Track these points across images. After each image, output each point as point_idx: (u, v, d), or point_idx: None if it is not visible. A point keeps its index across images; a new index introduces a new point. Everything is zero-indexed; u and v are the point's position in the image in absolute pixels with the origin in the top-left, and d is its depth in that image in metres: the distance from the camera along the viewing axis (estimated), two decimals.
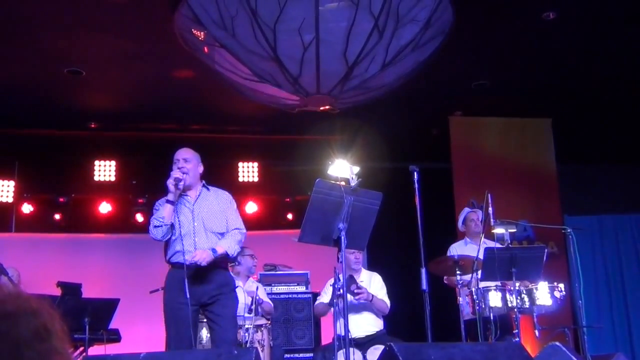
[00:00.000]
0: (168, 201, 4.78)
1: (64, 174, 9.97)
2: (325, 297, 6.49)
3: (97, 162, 9.96)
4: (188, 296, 4.62)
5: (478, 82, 8.71)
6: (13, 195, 9.81)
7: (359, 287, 6.31)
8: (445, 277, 6.61)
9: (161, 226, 4.76)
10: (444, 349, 3.73)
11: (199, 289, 4.74)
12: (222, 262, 4.90)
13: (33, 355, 0.98)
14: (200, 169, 5.08)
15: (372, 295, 6.42)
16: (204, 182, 5.10)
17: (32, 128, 9.54)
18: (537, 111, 9.60)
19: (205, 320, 5.07)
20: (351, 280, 6.30)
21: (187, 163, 4.98)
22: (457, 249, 6.87)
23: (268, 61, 6.58)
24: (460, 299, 6.03)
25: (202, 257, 4.68)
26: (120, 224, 10.10)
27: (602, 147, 10.11)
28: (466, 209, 7.05)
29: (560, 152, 9.71)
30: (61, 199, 9.90)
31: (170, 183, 4.78)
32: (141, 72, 8.25)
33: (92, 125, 9.77)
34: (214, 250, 4.77)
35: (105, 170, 9.97)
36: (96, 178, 9.93)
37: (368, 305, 6.48)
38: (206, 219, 4.88)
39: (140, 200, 9.99)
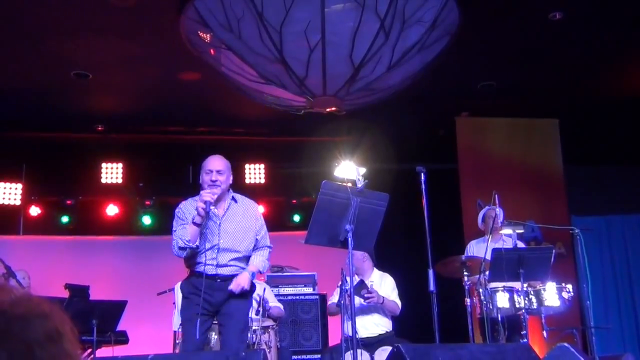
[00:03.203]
0: (195, 223, 4.67)
1: (71, 177, 9.99)
2: (336, 297, 6.50)
3: (104, 165, 9.97)
4: (205, 305, 4.67)
5: (485, 82, 8.70)
6: (21, 198, 9.84)
7: (369, 292, 6.31)
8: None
9: (186, 249, 4.70)
10: (451, 350, 3.73)
11: (218, 297, 4.74)
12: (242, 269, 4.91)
13: (45, 356, 0.99)
14: (231, 179, 4.96)
15: (383, 298, 6.43)
16: (231, 191, 4.99)
17: (40, 131, 9.58)
18: (544, 112, 9.58)
19: (215, 322, 5.07)
20: (362, 285, 6.31)
21: (220, 175, 4.83)
22: (474, 246, 6.87)
23: (274, 63, 6.60)
24: (468, 299, 6.01)
25: (244, 284, 4.72)
26: (128, 226, 10.13)
27: (609, 147, 10.08)
28: (486, 207, 7.03)
29: (568, 153, 9.68)
30: (68, 202, 9.92)
31: (200, 207, 4.63)
32: (148, 75, 8.27)
33: (99, 128, 9.80)
34: (252, 274, 4.83)
35: (112, 173, 9.98)
36: (103, 180, 9.94)
37: (378, 307, 6.49)
38: (232, 237, 4.81)
39: (147, 203, 10.00)
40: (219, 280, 4.74)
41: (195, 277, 4.79)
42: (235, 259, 4.81)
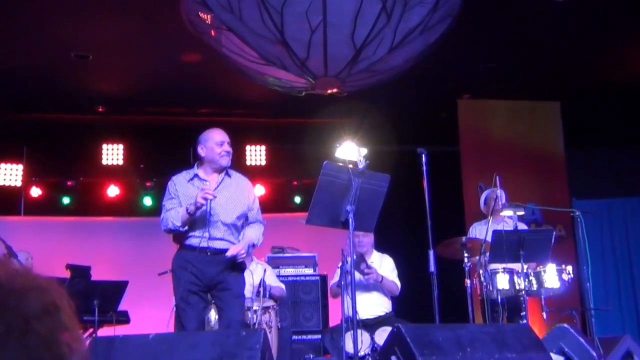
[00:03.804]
0: (189, 212, 4.66)
1: (72, 158, 9.99)
2: (337, 278, 6.51)
3: (104, 146, 9.96)
4: (197, 282, 4.67)
5: (486, 65, 8.67)
6: (22, 179, 9.84)
7: (368, 267, 6.33)
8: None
9: (177, 229, 4.73)
10: (451, 330, 3.74)
11: (209, 272, 4.72)
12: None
13: (42, 329, 0.99)
14: None
15: (382, 277, 6.45)
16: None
17: (40, 112, 9.56)
18: (545, 94, 9.56)
19: (213, 302, 5.08)
20: (361, 259, 6.32)
21: (229, 146, 4.94)
22: (477, 228, 6.88)
23: (275, 44, 6.56)
24: (468, 281, 6.03)
25: (240, 251, 4.72)
26: (128, 208, 10.14)
27: (610, 130, 10.05)
28: (488, 190, 7.02)
29: (569, 136, 9.67)
30: (69, 183, 9.93)
31: (199, 200, 4.60)
32: (148, 56, 8.24)
33: (100, 109, 9.78)
34: (248, 246, 4.82)
35: (113, 154, 9.97)
36: (104, 162, 9.94)
37: (377, 286, 6.51)
38: (224, 209, 4.79)
39: (148, 184, 10.01)
40: (209, 254, 4.71)
41: (185, 251, 4.79)
42: (226, 232, 4.79)
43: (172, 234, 4.88)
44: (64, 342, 1.01)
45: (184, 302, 4.71)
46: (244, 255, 4.78)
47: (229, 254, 4.68)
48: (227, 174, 4.97)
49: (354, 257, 5.99)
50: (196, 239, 4.73)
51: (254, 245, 4.94)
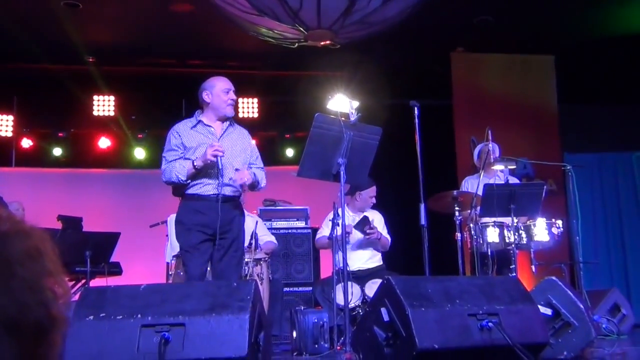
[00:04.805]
0: (195, 167, 4.63)
1: (63, 109, 9.90)
2: (326, 229, 6.54)
3: (95, 97, 9.87)
4: (206, 231, 4.67)
5: (481, 17, 8.58)
6: (12, 129, 9.78)
7: (371, 227, 6.37)
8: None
9: (181, 183, 4.70)
10: (440, 282, 3.77)
11: (219, 219, 4.64)
12: (237, 196, 4.90)
13: (25, 274, 0.99)
14: None
15: (381, 234, 6.51)
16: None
17: (30, 62, 9.44)
18: (540, 48, 9.49)
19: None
20: (365, 221, 6.35)
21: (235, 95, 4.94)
22: (469, 181, 6.89)
23: None
24: (459, 234, 6.07)
25: (247, 176, 4.70)
26: (120, 159, 10.11)
27: (604, 86, 10.02)
28: (481, 144, 7.02)
29: (562, 90, 9.64)
30: (60, 134, 9.88)
31: (209, 157, 4.56)
32: (139, 6, 8.13)
33: (91, 60, 9.66)
34: (254, 175, 4.81)
35: (104, 105, 9.89)
36: (95, 113, 9.86)
37: (375, 242, 6.56)
38: (230, 155, 4.76)
39: (139, 136, 9.97)
40: (220, 201, 4.66)
41: (194, 200, 4.75)
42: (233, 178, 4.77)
43: (172, 186, 4.86)
44: (47, 287, 1.01)
45: (194, 248, 4.69)
46: (248, 181, 4.73)
47: (235, 177, 4.67)
48: (231, 124, 4.95)
49: (347, 212, 6.02)
50: (205, 186, 4.71)
51: (258, 184, 4.89)
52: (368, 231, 6.35)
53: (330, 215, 6.03)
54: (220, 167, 4.65)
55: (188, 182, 4.70)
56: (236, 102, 5.07)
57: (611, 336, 5.69)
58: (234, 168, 4.77)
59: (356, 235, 6.44)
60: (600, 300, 6.61)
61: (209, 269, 4.86)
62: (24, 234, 1.02)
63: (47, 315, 1.00)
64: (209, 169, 4.69)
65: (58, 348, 1.05)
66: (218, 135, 4.82)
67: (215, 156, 4.58)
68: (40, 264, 1.02)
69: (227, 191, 4.76)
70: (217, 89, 4.87)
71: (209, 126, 4.85)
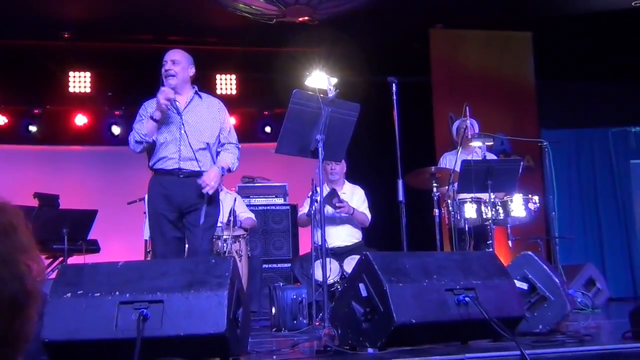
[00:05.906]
0: (152, 118, 4.57)
1: (39, 86, 9.77)
2: (306, 207, 6.54)
3: (71, 74, 9.76)
4: (170, 208, 4.62)
5: None
6: None
7: (340, 201, 6.37)
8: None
9: (142, 143, 4.62)
10: (418, 257, 3.79)
11: (180, 195, 4.63)
12: (204, 171, 4.73)
13: None
14: (191, 71, 4.85)
15: (353, 209, 6.50)
16: (196, 87, 4.88)
17: (4, 38, 9.28)
18: (518, 25, 9.51)
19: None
20: (333, 193, 6.35)
21: (176, 65, 4.73)
22: (447, 157, 6.89)
23: None
24: (436, 210, 6.10)
25: (213, 178, 4.61)
26: (97, 136, 10.03)
27: (581, 62, 10.07)
28: (459, 120, 7.03)
29: (540, 67, 9.69)
30: (36, 111, 9.77)
31: (162, 102, 4.53)
32: None
33: (66, 35, 9.52)
34: (222, 170, 4.71)
35: (80, 82, 9.79)
36: (71, 89, 9.76)
37: (348, 218, 6.57)
38: (194, 128, 4.68)
39: (116, 112, 9.89)
40: (181, 176, 4.63)
41: (158, 175, 4.72)
42: (199, 152, 4.66)
43: (143, 152, 4.75)
44: (22, 261, 1.01)
45: (156, 229, 4.67)
46: (215, 186, 4.65)
47: (201, 181, 4.57)
48: (198, 95, 4.85)
49: (325, 188, 6.03)
50: (168, 160, 4.65)
51: (229, 170, 4.82)
52: (337, 204, 6.34)
53: (310, 193, 6.03)
54: (180, 138, 4.60)
55: (151, 139, 4.61)
56: (203, 81, 4.95)
57: (586, 310, 5.76)
58: (200, 142, 4.70)
59: (328, 209, 6.41)
60: (576, 275, 6.71)
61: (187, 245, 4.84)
62: None
63: (22, 290, 1.00)
64: (172, 142, 4.63)
65: (34, 323, 1.05)
66: (181, 108, 4.72)
67: (168, 99, 4.54)
68: (14, 238, 1.01)
69: (190, 165, 4.66)
70: (163, 61, 4.81)
71: (175, 100, 4.70)
